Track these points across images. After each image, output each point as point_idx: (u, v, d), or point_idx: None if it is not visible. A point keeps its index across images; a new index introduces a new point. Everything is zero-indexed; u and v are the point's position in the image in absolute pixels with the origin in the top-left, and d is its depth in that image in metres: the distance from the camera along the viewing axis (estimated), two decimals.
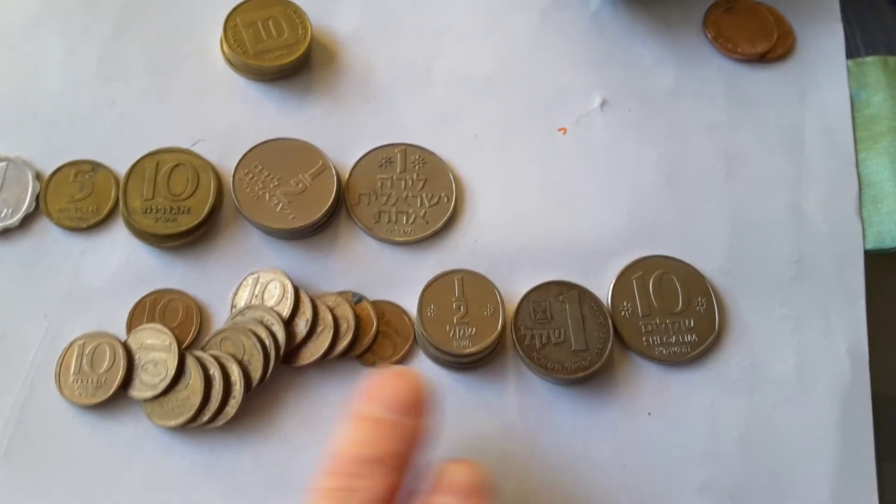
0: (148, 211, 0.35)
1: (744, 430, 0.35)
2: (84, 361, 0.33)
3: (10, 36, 0.39)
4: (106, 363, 0.33)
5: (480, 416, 0.34)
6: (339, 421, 0.33)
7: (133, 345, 0.34)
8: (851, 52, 0.42)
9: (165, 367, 0.33)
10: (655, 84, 0.41)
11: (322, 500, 0.25)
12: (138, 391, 0.33)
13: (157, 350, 0.33)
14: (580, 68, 0.41)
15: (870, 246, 0.38)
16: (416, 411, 0.26)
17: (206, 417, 0.32)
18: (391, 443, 0.25)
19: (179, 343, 0.33)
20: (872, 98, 0.41)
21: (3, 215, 0.35)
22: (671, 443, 0.34)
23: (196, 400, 0.32)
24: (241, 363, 0.33)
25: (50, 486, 0.32)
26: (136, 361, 0.33)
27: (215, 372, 0.33)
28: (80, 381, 0.33)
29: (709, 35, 0.42)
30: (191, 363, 0.33)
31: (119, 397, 0.33)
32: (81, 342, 0.34)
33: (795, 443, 0.35)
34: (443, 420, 0.34)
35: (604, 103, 0.40)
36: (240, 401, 0.32)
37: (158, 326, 0.34)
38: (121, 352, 0.33)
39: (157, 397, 0.33)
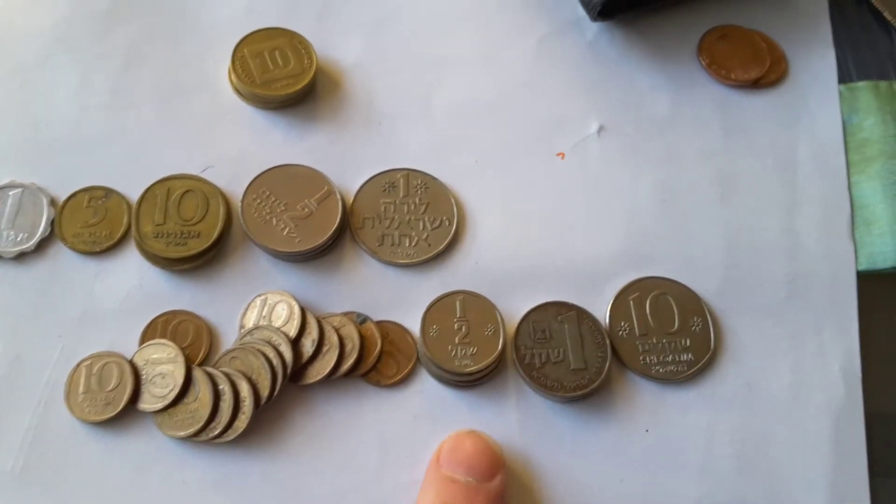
0: (159, 235, 0.36)
1: (739, 448, 0.35)
2: (93, 380, 0.34)
3: (24, 66, 0.41)
4: (114, 380, 0.34)
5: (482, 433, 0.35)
6: (347, 441, 0.35)
7: (139, 361, 0.35)
8: (843, 77, 0.43)
9: (173, 378, 0.34)
10: (651, 110, 0.42)
11: None
12: (148, 404, 0.34)
13: (163, 363, 0.34)
14: (578, 95, 0.42)
15: (862, 267, 0.39)
16: (492, 473, 0.30)
17: (216, 431, 0.33)
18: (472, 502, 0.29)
19: (186, 355, 0.34)
20: (864, 122, 0.42)
21: (18, 240, 0.36)
22: (668, 459, 0.35)
23: (205, 412, 0.33)
24: (250, 380, 0.34)
25: (66, 503, 0.33)
26: (144, 376, 0.34)
27: (225, 387, 0.34)
28: (89, 400, 0.34)
29: (703, 62, 0.43)
30: (200, 376, 0.34)
31: (129, 413, 0.34)
32: (89, 362, 0.35)
33: (790, 459, 0.35)
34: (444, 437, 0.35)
35: (601, 129, 0.41)
36: (250, 416, 0.33)
37: (163, 341, 0.35)
38: (128, 369, 0.34)
39: (166, 408, 0.33)
